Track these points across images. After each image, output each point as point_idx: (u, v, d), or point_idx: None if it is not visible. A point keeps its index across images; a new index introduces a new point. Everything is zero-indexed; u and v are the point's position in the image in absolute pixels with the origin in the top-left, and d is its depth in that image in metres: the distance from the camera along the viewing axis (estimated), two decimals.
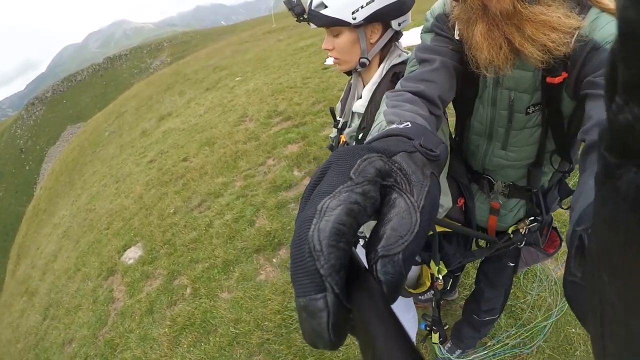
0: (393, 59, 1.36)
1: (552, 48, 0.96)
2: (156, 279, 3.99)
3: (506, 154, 1.30)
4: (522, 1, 0.93)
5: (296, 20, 1.38)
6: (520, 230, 1.46)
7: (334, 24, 1.27)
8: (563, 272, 2.22)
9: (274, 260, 3.49)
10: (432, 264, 1.40)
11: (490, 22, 0.99)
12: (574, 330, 2.48)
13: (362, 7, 1.23)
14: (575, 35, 0.95)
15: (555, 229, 1.58)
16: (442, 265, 1.46)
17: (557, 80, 1.04)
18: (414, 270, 1.62)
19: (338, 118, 1.56)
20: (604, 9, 0.95)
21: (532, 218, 1.45)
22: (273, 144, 6.07)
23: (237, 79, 13.53)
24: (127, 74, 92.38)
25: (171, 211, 5.17)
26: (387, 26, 1.33)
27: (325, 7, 1.26)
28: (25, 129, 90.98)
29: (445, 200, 1.35)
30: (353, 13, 1.24)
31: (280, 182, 4.70)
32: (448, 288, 1.64)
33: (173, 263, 4.03)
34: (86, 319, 4.08)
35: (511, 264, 1.68)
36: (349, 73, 1.50)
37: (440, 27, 1.15)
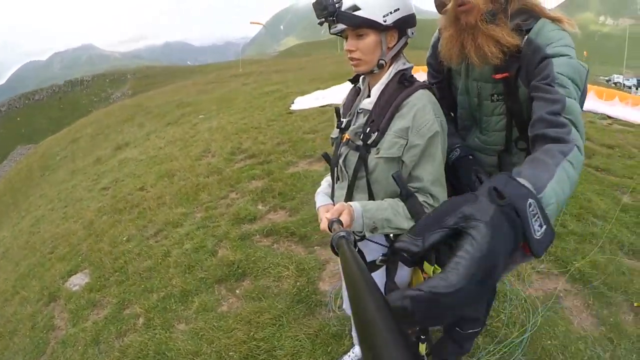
0: (399, 65, 1.51)
1: (489, 57, 1.31)
2: (104, 307, 3.68)
3: (483, 138, 1.56)
4: (482, 20, 1.29)
5: (322, 21, 1.44)
6: None
7: (365, 25, 1.39)
8: (530, 291, 2.46)
9: (237, 291, 3.33)
10: (425, 264, 1.37)
11: (456, 30, 1.37)
12: (549, 342, 2.59)
13: (391, 12, 1.39)
14: (525, 39, 1.28)
15: None
16: (436, 266, 1.46)
17: (498, 76, 1.37)
18: (405, 274, 1.61)
19: (342, 119, 1.64)
20: (548, 17, 1.31)
21: None
22: (237, 179, 6.00)
23: (201, 116, 13.52)
24: (87, 101, 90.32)
25: (124, 239, 4.90)
26: (401, 34, 1.48)
27: (358, 9, 1.37)
28: None
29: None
30: (384, 16, 1.39)
31: (244, 215, 4.60)
32: None
33: (124, 291, 3.75)
34: (22, 346, 3.66)
35: None
36: (353, 80, 1.69)
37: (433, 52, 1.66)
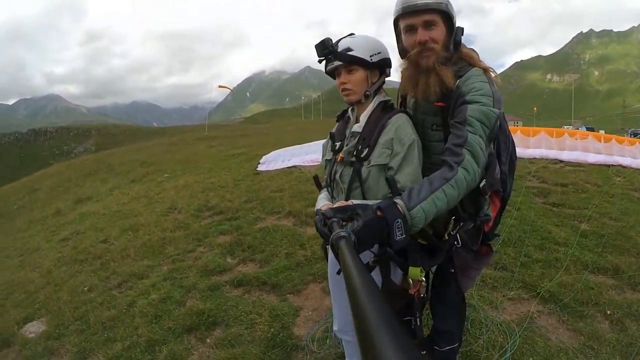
0: (381, 97, 1.91)
1: (431, 95, 1.69)
2: (62, 356, 3.50)
3: (429, 161, 1.82)
4: (438, 63, 1.66)
5: (321, 59, 1.81)
6: (451, 231, 1.84)
7: (356, 62, 1.78)
8: (505, 316, 2.95)
9: (208, 340, 3.30)
10: (411, 269, 1.68)
11: (414, 70, 1.73)
12: (531, 358, 2.75)
13: (375, 54, 1.80)
14: (456, 83, 1.67)
15: (485, 236, 1.96)
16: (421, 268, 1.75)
17: (438, 104, 1.72)
18: (399, 274, 1.80)
19: (335, 143, 1.99)
20: (479, 67, 1.70)
21: (454, 218, 1.83)
22: (204, 233, 6.03)
23: (166, 175, 13.55)
24: (48, 153, 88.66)
25: (85, 288, 4.76)
26: (382, 73, 1.90)
27: (351, 50, 1.76)
28: None
29: None
30: (371, 56, 1.79)
31: (213, 267, 4.62)
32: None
33: (85, 340, 3.60)
34: None
35: (452, 270, 2.00)
36: (339, 118, 2.10)
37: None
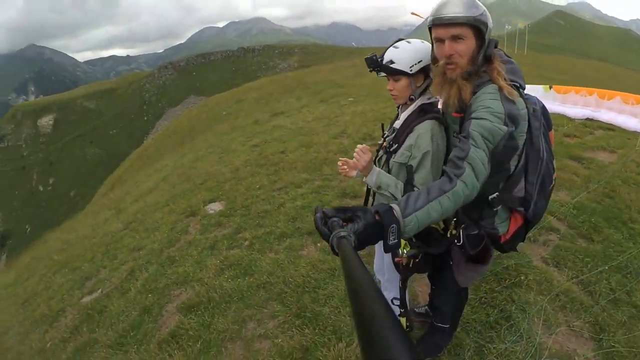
0: (424, 100, 2.09)
1: (450, 104, 1.81)
2: (226, 228, 4.89)
3: None
4: (461, 77, 1.72)
5: (371, 70, 2.10)
6: (452, 230, 2.04)
7: (397, 74, 2.02)
8: (544, 340, 2.75)
9: (318, 244, 4.13)
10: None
11: (441, 79, 1.79)
12: None
13: (416, 63, 1.98)
14: (470, 98, 1.73)
15: (486, 243, 2.01)
16: (406, 244, 2.10)
17: (455, 115, 1.85)
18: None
19: (385, 132, 2.33)
20: (497, 84, 1.70)
21: (455, 221, 2.01)
22: None
23: (350, 99, 14.45)
24: (256, 67, 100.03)
25: (257, 186, 6.09)
26: (426, 77, 2.06)
27: (393, 62, 2.00)
28: (152, 86, 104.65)
29: None
30: (410, 67, 1.99)
31: (349, 191, 5.38)
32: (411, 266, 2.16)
33: (243, 222, 4.91)
34: (159, 238, 5.12)
35: (450, 262, 2.20)
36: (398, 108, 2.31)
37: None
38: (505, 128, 1.63)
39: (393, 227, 1.32)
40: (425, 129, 2.00)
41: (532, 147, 1.85)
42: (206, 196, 6.12)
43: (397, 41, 2.08)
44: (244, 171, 7.18)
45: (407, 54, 1.99)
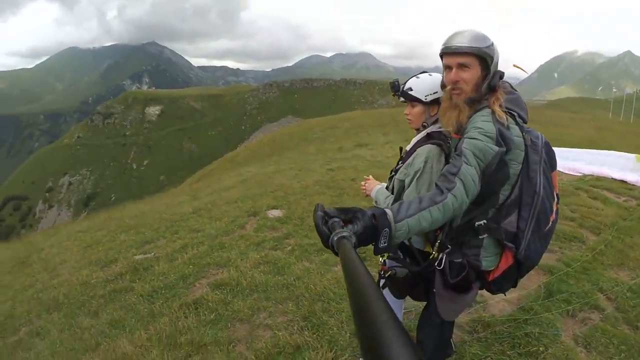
0: (434, 127, 2.25)
1: (448, 125, 1.94)
2: (277, 232, 5.43)
3: None
4: (465, 102, 1.87)
5: (393, 95, 2.31)
6: (434, 252, 2.06)
7: (414, 100, 2.23)
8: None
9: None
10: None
11: (448, 103, 1.94)
12: None
13: (431, 93, 2.18)
14: (466, 121, 1.86)
15: (468, 274, 2.00)
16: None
17: (454, 136, 1.97)
18: None
19: (402, 154, 2.47)
20: (491, 108, 1.83)
21: (439, 244, 2.02)
22: None
23: None
24: (355, 100, 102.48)
25: (316, 203, 6.57)
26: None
27: (411, 89, 2.21)
28: (255, 100, 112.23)
29: None
30: (426, 96, 2.19)
31: None
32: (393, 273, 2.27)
33: (294, 230, 5.39)
34: (218, 226, 5.83)
35: (434, 289, 2.16)
36: None
37: None
38: (496, 148, 1.73)
39: (385, 230, 1.39)
40: (423, 151, 2.17)
41: (529, 181, 1.88)
42: (271, 202, 6.75)
43: (421, 73, 2.29)
44: (312, 189, 7.71)
45: (425, 84, 2.20)
